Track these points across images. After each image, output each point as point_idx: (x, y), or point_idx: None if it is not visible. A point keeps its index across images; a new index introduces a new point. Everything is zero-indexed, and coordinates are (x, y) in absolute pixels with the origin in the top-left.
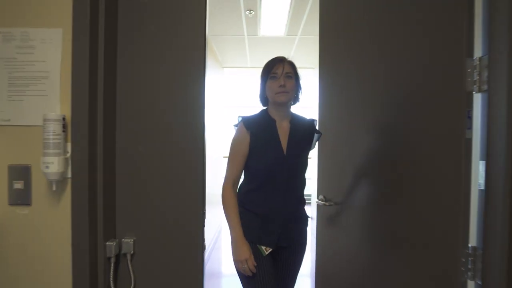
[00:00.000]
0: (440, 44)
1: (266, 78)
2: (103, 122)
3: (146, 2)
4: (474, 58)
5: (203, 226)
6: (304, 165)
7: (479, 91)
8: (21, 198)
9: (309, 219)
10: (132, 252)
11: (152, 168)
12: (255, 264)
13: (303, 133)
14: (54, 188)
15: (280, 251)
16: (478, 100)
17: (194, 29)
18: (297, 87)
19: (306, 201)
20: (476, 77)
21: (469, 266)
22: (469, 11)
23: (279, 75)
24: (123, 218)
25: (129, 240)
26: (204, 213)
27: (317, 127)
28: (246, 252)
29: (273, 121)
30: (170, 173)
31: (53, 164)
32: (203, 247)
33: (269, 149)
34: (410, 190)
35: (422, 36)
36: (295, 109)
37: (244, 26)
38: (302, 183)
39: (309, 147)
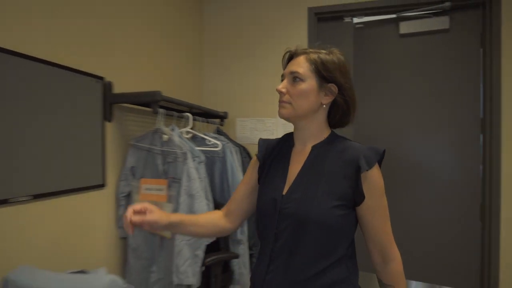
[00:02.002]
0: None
1: None
2: None
3: None
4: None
5: None
6: (322, 224)
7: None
8: None
9: None
10: None
11: None
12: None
13: (334, 168)
14: None
15: None
16: None
17: None
18: (338, 97)
19: None
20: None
21: None
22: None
23: (284, 77)
24: None
25: None
26: None
27: (370, 162)
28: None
29: (291, 146)
30: None
31: None
32: None
33: (268, 184)
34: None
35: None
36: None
37: None
38: (313, 257)
39: (346, 192)
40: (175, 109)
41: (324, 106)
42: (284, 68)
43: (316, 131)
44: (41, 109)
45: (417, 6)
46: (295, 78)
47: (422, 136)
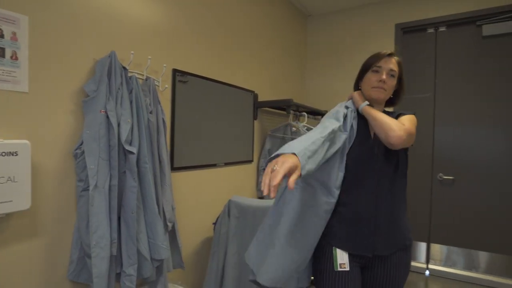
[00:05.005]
0: None
1: (367, 70)
2: None
3: None
4: None
5: None
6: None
7: None
8: None
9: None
10: None
11: None
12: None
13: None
14: None
15: (373, 264)
16: None
17: None
18: (398, 88)
19: None
20: None
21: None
22: None
23: (382, 69)
24: None
25: None
26: None
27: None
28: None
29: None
30: None
31: None
32: None
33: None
34: None
35: None
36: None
37: None
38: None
39: None
40: (298, 110)
41: (391, 96)
42: (377, 61)
43: (382, 107)
44: (222, 111)
45: (497, 14)
46: (392, 75)
47: (504, 132)
